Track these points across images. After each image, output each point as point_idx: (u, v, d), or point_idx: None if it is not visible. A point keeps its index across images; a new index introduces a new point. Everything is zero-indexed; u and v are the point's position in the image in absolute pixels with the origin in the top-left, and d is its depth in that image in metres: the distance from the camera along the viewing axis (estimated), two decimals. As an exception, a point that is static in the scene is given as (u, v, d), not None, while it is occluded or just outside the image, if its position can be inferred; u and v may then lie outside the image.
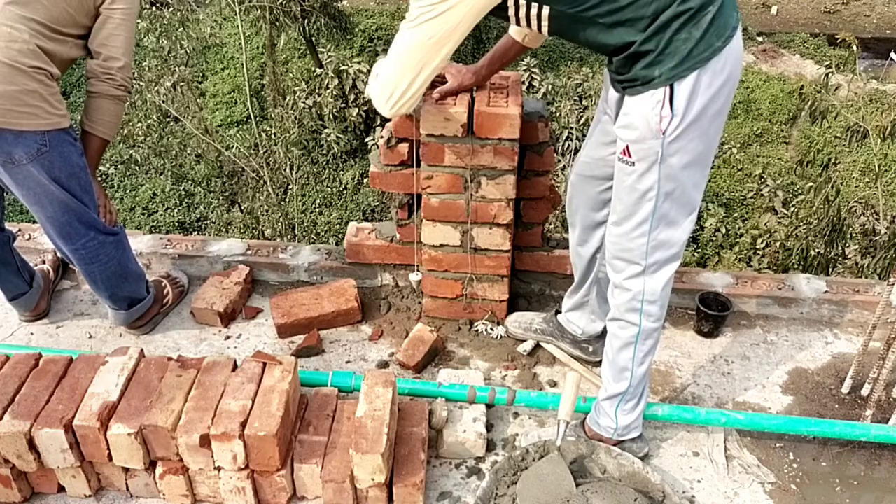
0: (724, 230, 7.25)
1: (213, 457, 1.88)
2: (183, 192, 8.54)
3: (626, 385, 2.02)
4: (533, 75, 8.39)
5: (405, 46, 1.70)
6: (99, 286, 2.38)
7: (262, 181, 7.95)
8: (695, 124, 1.69)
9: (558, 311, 2.48)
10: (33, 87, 1.97)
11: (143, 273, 2.51)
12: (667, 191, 1.77)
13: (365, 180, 8.50)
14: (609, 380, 2.06)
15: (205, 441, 1.85)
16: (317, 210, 8.47)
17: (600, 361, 2.29)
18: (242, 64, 8.66)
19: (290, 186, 8.21)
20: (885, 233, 5.06)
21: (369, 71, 8.43)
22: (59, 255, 2.74)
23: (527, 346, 2.47)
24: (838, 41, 7.41)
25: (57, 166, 2.08)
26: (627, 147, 1.75)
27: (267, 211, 7.75)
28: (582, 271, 2.31)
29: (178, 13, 8.49)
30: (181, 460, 1.90)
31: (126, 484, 1.99)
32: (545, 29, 1.71)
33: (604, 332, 2.33)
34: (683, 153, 1.72)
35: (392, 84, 1.77)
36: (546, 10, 1.66)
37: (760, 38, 12.12)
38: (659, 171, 1.74)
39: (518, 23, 1.72)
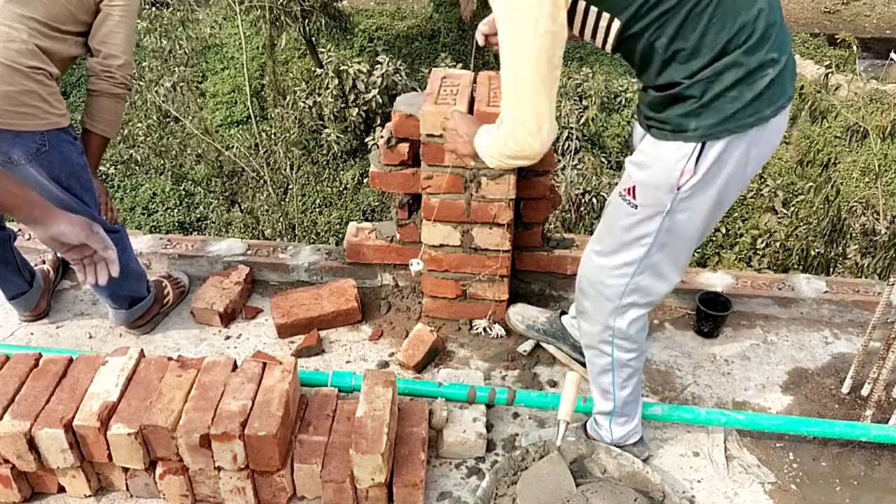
0: (724, 230, 7.25)
1: (213, 457, 1.88)
2: (183, 192, 8.54)
3: (611, 405, 2.01)
4: (533, 75, 8.37)
5: (516, 78, 1.51)
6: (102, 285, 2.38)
7: (262, 181, 7.95)
8: (713, 188, 1.59)
9: (563, 312, 2.46)
10: (32, 88, 1.97)
11: (143, 272, 2.51)
12: (663, 242, 1.69)
13: (365, 180, 8.50)
14: (596, 397, 2.05)
15: (205, 441, 1.85)
16: (317, 210, 8.47)
17: None
18: (242, 64, 8.66)
19: (290, 186, 8.21)
20: (885, 233, 5.07)
21: (369, 71, 8.46)
22: (59, 255, 2.74)
23: (527, 347, 2.47)
24: (838, 41, 7.41)
25: (56, 166, 2.08)
26: (634, 188, 1.64)
27: (267, 211, 7.75)
28: None
29: (178, 13, 8.50)
30: (181, 460, 1.90)
31: (126, 484, 1.99)
32: (609, 44, 1.55)
33: None
34: (692, 213, 1.63)
35: (532, 117, 1.54)
36: (616, 25, 1.50)
37: (760, 38, 12.09)
38: (661, 223, 1.65)
39: (582, 35, 1.58)
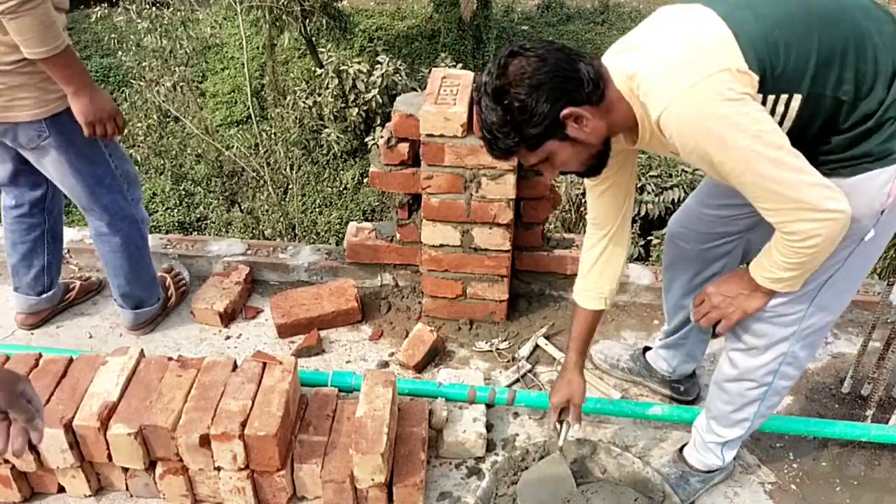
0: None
1: (213, 457, 1.88)
2: (183, 192, 8.54)
3: (739, 433, 1.90)
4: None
5: (774, 176, 1.38)
6: (116, 270, 2.40)
7: (262, 181, 7.95)
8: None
9: (647, 348, 2.37)
10: (20, 82, 1.98)
11: (155, 277, 2.54)
12: (852, 264, 1.58)
13: (365, 180, 8.51)
14: (721, 427, 1.91)
15: (205, 441, 1.85)
16: (317, 210, 8.47)
17: (692, 400, 2.28)
18: (242, 64, 8.67)
19: (290, 186, 8.22)
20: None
21: (369, 71, 8.46)
22: (96, 278, 2.76)
23: (524, 352, 2.47)
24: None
25: (62, 147, 2.11)
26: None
27: (267, 211, 7.76)
28: (680, 320, 2.17)
29: (179, 13, 8.50)
30: (181, 460, 1.90)
31: (126, 484, 1.99)
32: (788, 122, 1.45)
33: (694, 372, 2.31)
34: (888, 228, 1.56)
35: (815, 203, 1.39)
36: (797, 100, 1.42)
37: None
38: (853, 249, 1.55)
39: None
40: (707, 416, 1.95)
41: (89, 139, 2.13)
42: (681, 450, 2.06)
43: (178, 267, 2.78)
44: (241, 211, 8.08)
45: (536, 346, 2.49)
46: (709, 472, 2.01)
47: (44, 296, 2.52)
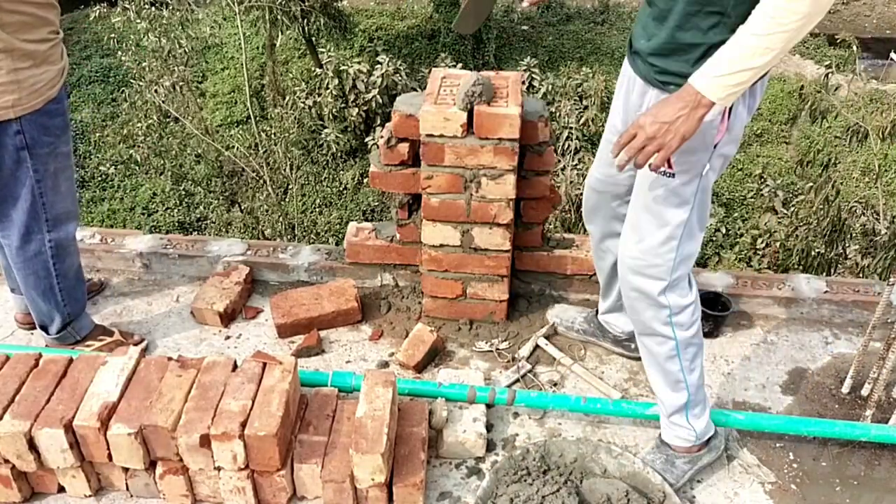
0: (724, 230, 7.24)
1: (213, 457, 1.88)
2: (183, 192, 8.54)
3: (685, 396, 1.96)
4: (533, 75, 8.40)
5: None
6: (22, 284, 2.31)
7: (262, 181, 7.95)
8: (735, 139, 1.62)
9: (597, 312, 2.47)
10: None
11: (61, 312, 2.35)
12: (701, 201, 1.71)
13: (365, 180, 8.50)
14: (667, 394, 1.98)
15: (205, 441, 1.85)
16: (317, 210, 8.47)
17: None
18: (242, 64, 8.65)
19: (290, 186, 8.21)
20: (886, 233, 5.06)
21: (369, 71, 8.46)
22: (96, 278, 2.74)
23: (524, 352, 2.47)
24: (838, 41, 7.41)
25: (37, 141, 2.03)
26: (670, 159, 1.62)
27: (267, 211, 7.75)
28: (607, 276, 2.29)
29: (178, 13, 8.49)
30: (181, 460, 1.90)
31: (126, 484, 1.99)
32: None
33: None
34: (723, 161, 1.67)
35: None
36: None
37: (760, 38, 12.10)
38: (699, 183, 1.67)
39: None
40: (654, 389, 2.03)
41: (18, 158, 2.04)
42: (660, 437, 2.10)
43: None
44: (241, 211, 8.06)
45: (536, 347, 2.49)
46: (690, 449, 2.03)
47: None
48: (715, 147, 1.61)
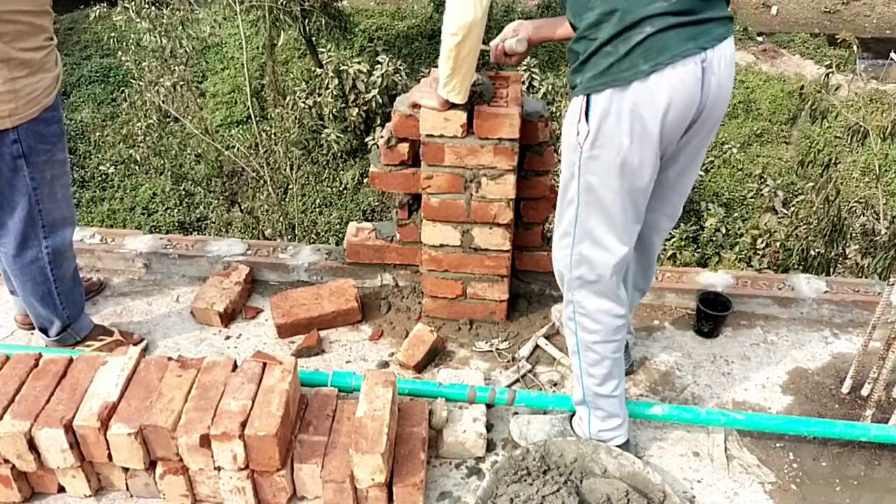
0: (724, 230, 7.24)
1: (213, 457, 1.88)
2: (183, 192, 8.54)
3: (580, 394, 2.00)
4: (533, 75, 8.39)
5: None
6: (19, 290, 2.32)
7: (262, 181, 7.95)
8: (611, 148, 1.61)
9: None
10: None
11: (60, 315, 2.35)
12: (587, 202, 1.72)
13: (365, 180, 8.50)
14: (575, 381, 2.05)
15: (205, 441, 1.85)
16: (317, 210, 8.47)
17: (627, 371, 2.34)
18: (242, 64, 8.66)
19: (290, 186, 8.21)
20: (885, 233, 5.06)
21: (369, 71, 8.46)
22: (96, 278, 2.74)
23: (524, 352, 2.47)
24: (838, 41, 7.41)
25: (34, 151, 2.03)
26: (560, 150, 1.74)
27: (267, 211, 7.75)
28: None
29: (178, 13, 8.48)
30: (181, 460, 1.90)
31: (126, 484, 1.99)
32: None
33: (627, 344, 2.34)
34: (603, 175, 1.66)
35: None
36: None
37: (760, 38, 12.12)
38: (578, 182, 1.70)
39: None
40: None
41: (15, 167, 2.04)
42: (570, 418, 2.15)
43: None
44: (241, 211, 8.06)
45: (536, 347, 2.49)
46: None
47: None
48: (581, 148, 1.65)
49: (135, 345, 2.44)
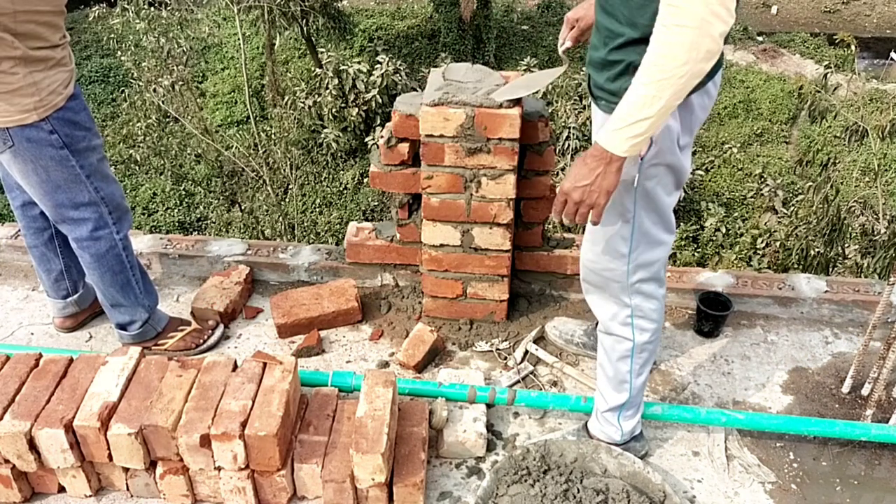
0: (724, 230, 7.25)
1: (213, 457, 1.88)
2: (183, 192, 8.55)
3: (626, 396, 1.99)
4: (533, 75, 8.38)
5: None
6: (94, 283, 2.34)
7: (262, 181, 7.96)
8: (670, 150, 1.63)
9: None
10: None
11: (135, 301, 2.37)
12: (644, 209, 1.72)
13: (365, 180, 8.51)
14: (608, 391, 2.02)
15: (205, 441, 1.85)
16: (317, 210, 8.48)
17: None
18: (242, 64, 8.66)
19: (290, 186, 8.22)
20: (885, 232, 5.07)
21: (369, 71, 8.47)
22: None
23: (517, 355, 2.47)
24: (838, 41, 7.41)
25: (29, 158, 2.04)
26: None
27: (267, 211, 7.76)
28: None
29: (177, 13, 8.49)
30: (181, 460, 1.90)
31: (126, 484, 1.99)
32: None
33: None
34: (662, 177, 1.68)
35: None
36: None
37: (760, 38, 12.12)
38: (635, 193, 1.69)
39: None
40: (598, 383, 2.05)
41: (60, 158, 2.06)
42: (585, 424, 2.13)
43: (215, 332, 2.52)
44: (241, 211, 8.08)
45: (527, 352, 2.47)
46: (611, 444, 2.05)
47: (69, 299, 2.49)
48: (642, 160, 1.63)
49: (212, 331, 2.50)
